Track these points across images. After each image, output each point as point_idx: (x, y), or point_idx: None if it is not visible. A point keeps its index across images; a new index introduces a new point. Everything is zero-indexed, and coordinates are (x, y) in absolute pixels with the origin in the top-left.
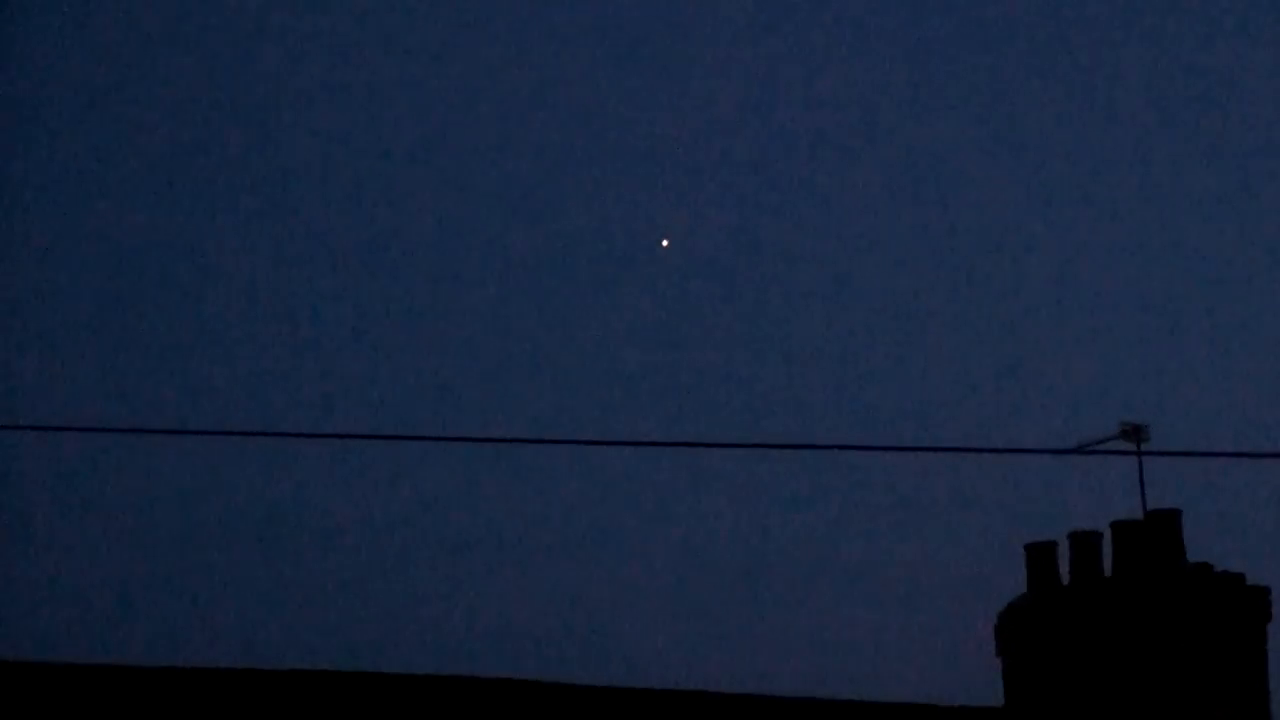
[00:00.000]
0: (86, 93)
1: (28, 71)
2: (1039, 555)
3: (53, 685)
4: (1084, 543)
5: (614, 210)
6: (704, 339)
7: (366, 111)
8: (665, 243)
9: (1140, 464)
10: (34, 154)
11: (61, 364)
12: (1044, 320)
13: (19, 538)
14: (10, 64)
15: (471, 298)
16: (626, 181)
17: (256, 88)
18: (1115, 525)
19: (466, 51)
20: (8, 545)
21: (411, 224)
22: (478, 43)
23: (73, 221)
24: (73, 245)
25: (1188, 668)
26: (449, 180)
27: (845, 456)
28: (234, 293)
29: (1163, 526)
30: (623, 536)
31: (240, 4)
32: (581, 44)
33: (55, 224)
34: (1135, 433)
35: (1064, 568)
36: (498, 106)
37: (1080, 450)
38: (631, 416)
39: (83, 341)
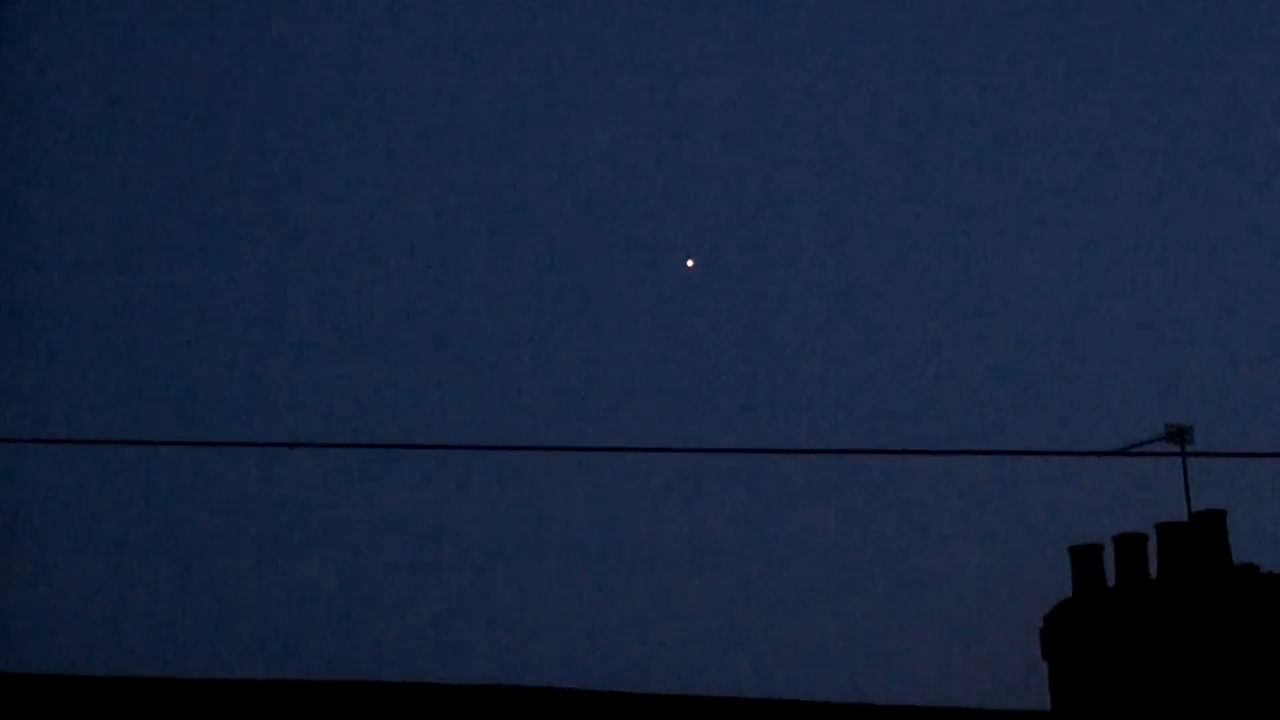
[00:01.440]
0: (86, 123)
1: (29, 81)
2: (1085, 558)
3: (57, 696)
4: (1129, 545)
5: (638, 231)
6: (744, 352)
7: (391, 128)
8: (690, 263)
9: (1185, 465)
10: (36, 169)
11: (63, 376)
12: (1089, 324)
13: (22, 549)
14: (11, 65)
15: (494, 312)
16: (649, 203)
17: (259, 97)
18: (1160, 527)
19: (492, 73)
20: (12, 557)
21: (431, 239)
22: (506, 67)
23: (77, 240)
24: (76, 259)
25: (1235, 669)
26: (476, 205)
27: (892, 462)
28: (236, 305)
29: (1208, 528)
30: (668, 543)
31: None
32: (611, 82)
33: (59, 241)
34: (1180, 434)
35: (1110, 570)
36: (527, 135)
37: (1125, 452)
38: (669, 426)
39: (84, 354)
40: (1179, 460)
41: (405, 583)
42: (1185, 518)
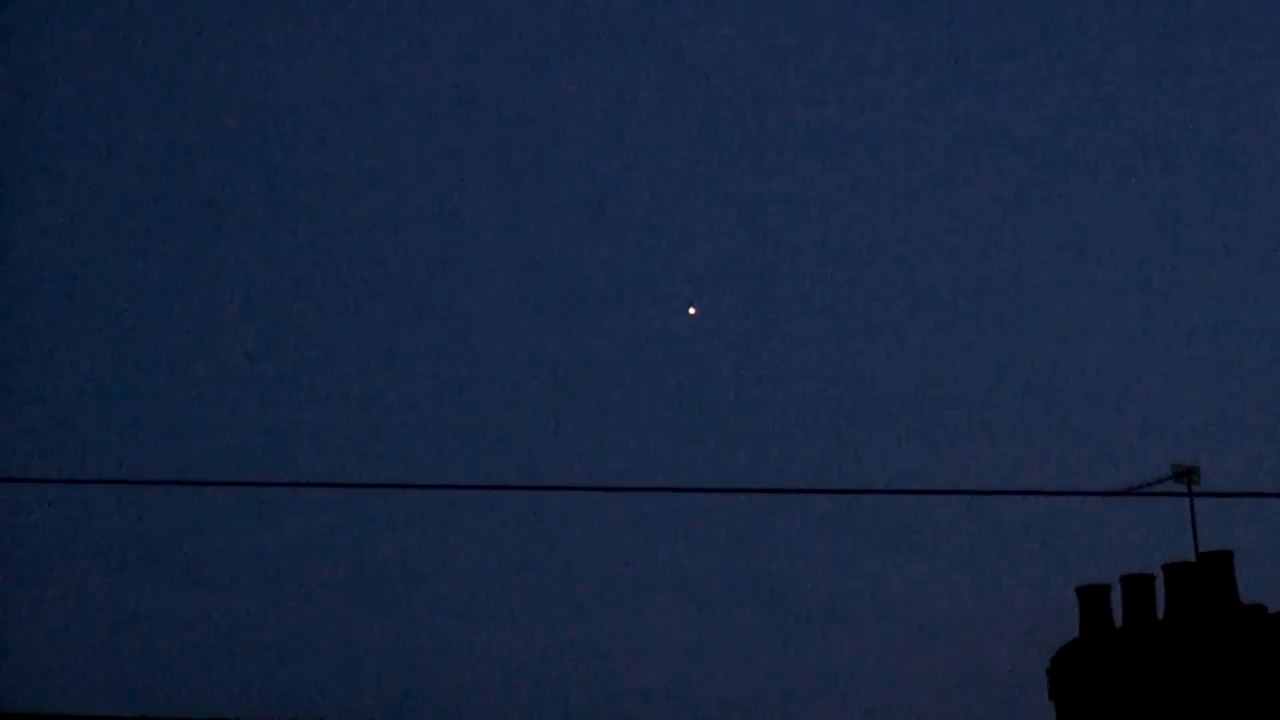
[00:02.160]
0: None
1: (28, 91)
2: (1092, 598)
3: None
4: (1137, 585)
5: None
6: (748, 388)
7: (394, 159)
8: (693, 310)
9: (1192, 505)
10: (37, 200)
11: (67, 418)
12: (1096, 363)
13: (27, 589)
14: (11, 70)
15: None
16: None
17: (260, 104)
18: (1168, 568)
19: (500, 88)
20: (17, 597)
21: (436, 281)
22: (510, 80)
23: (80, 274)
24: (73, 293)
25: (1243, 711)
26: (483, 251)
27: (898, 501)
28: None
29: (1215, 568)
30: (676, 580)
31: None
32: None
33: (55, 275)
34: (1187, 474)
35: (1117, 610)
36: (535, 180)
37: (1132, 492)
38: (673, 461)
39: (80, 395)
40: (1186, 500)
41: (407, 622)
42: (1193, 558)
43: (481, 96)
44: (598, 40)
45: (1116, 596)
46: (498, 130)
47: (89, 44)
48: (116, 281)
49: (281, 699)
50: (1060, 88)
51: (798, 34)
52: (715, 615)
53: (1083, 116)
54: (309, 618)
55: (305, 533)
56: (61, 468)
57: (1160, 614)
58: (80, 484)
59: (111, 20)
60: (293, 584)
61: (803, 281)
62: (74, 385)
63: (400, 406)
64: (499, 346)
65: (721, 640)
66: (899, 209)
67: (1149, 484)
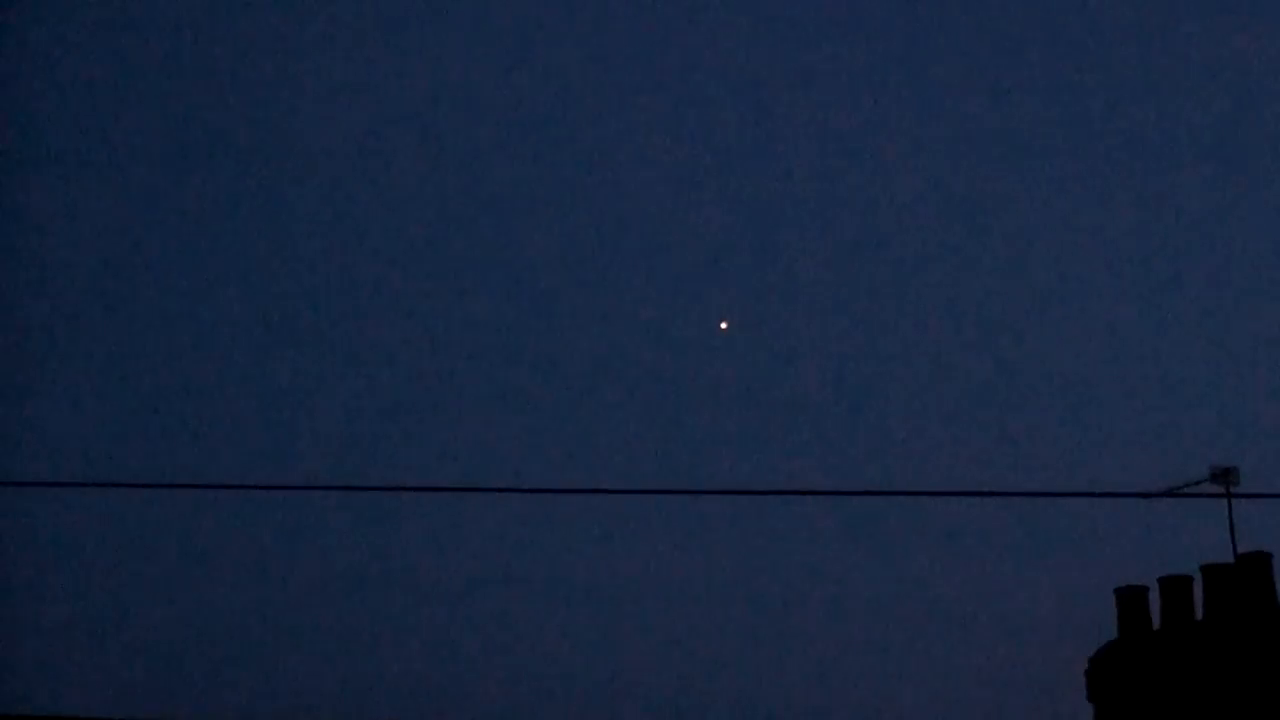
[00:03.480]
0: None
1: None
2: (1130, 600)
3: None
4: (1175, 587)
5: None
6: (778, 390)
7: (395, 167)
8: (724, 325)
9: (1230, 506)
10: (36, 196)
11: (69, 419)
12: (1135, 364)
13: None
14: (11, 68)
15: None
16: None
17: (260, 105)
18: (1205, 569)
19: (511, 92)
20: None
21: (450, 286)
22: (517, 83)
23: (75, 274)
24: (75, 292)
25: (1278, 711)
26: (483, 242)
27: (939, 503)
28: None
29: (1254, 569)
30: (702, 582)
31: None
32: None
33: (56, 276)
34: (1225, 475)
35: (1155, 612)
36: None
37: (1171, 493)
38: (697, 465)
39: (83, 398)
40: (1225, 502)
41: (406, 621)
42: (1231, 559)
43: (488, 97)
44: (603, 40)
45: (1155, 598)
46: (506, 131)
47: (89, 42)
48: (117, 282)
49: (280, 697)
50: (1086, 80)
51: (824, 33)
52: (729, 618)
53: (1122, 109)
54: (305, 618)
55: (305, 533)
56: (60, 470)
57: (1199, 615)
58: (77, 487)
59: (111, 20)
60: (290, 583)
61: (821, 280)
62: (72, 387)
63: (400, 409)
64: (491, 349)
65: (751, 640)
66: (930, 207)
67: (1188, 485)
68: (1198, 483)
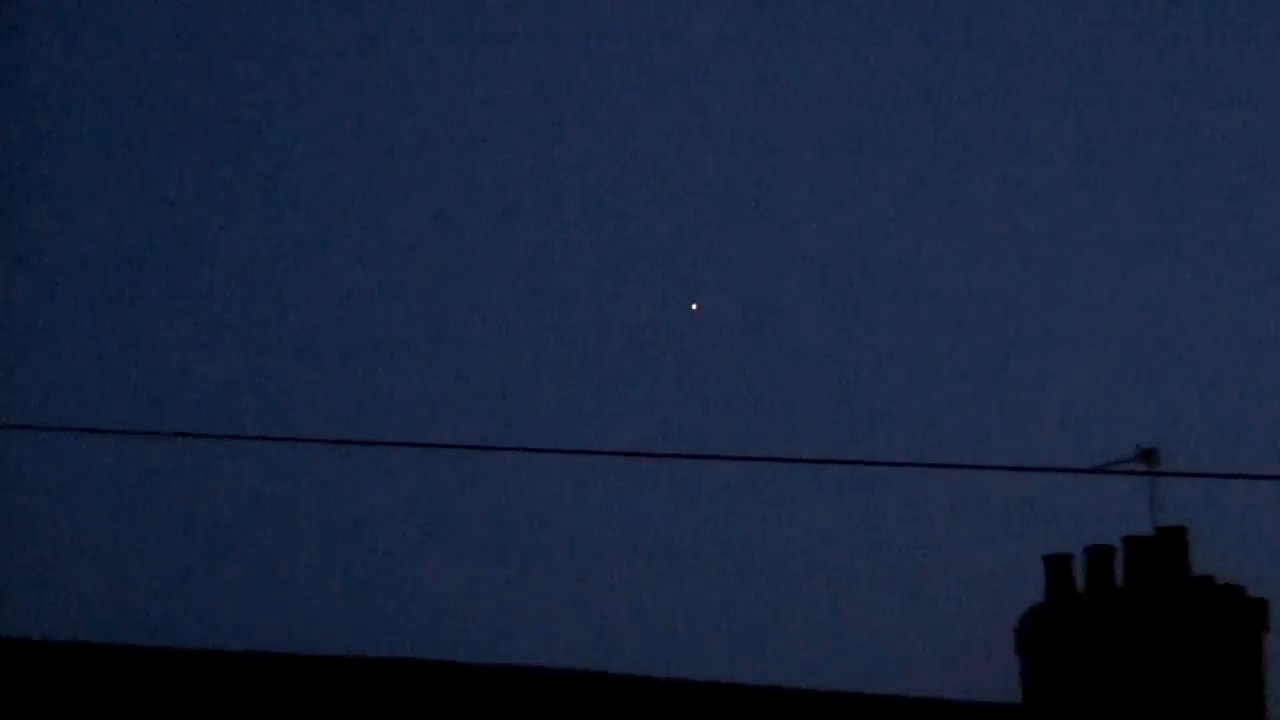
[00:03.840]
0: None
1: (28, 76)
2: (1057, 566)
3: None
4: (1099, 555)
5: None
6: (739, 357)
7: (395, 142)
8: (695, 306)
9: (1152, 485)
10: (33, 153)
11: (72, 365)
12: (1072, 350)
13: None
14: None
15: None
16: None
17: (259, 96)
18: (1127, 540)
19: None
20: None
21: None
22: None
23: (80, 227)
24: (81, 254)
25: (1190, 672)
26: (481, 229)
27: (880, 473)
28: (239, 293)
29: (1171, 542)
30: (671, 543)
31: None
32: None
33: (61, 230)
34: (1148, 456)
35: (1079, 578)
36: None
37: (1097, 470)
38: (669, 428)
39: (88, 342)
40: (1147, 480)
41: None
42: (1151, 533)
43: (484, 91)
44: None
45: (1079, 565)
46: (505, 123)
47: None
48: (124, 230)
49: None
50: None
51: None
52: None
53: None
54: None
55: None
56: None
57: (1120, 582)
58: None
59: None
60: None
61: (784, 246)
62: (78, 335)
63: (404, 366)
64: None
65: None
66: (868, 178)
67: (1113, 463)
68: (1122, 461)
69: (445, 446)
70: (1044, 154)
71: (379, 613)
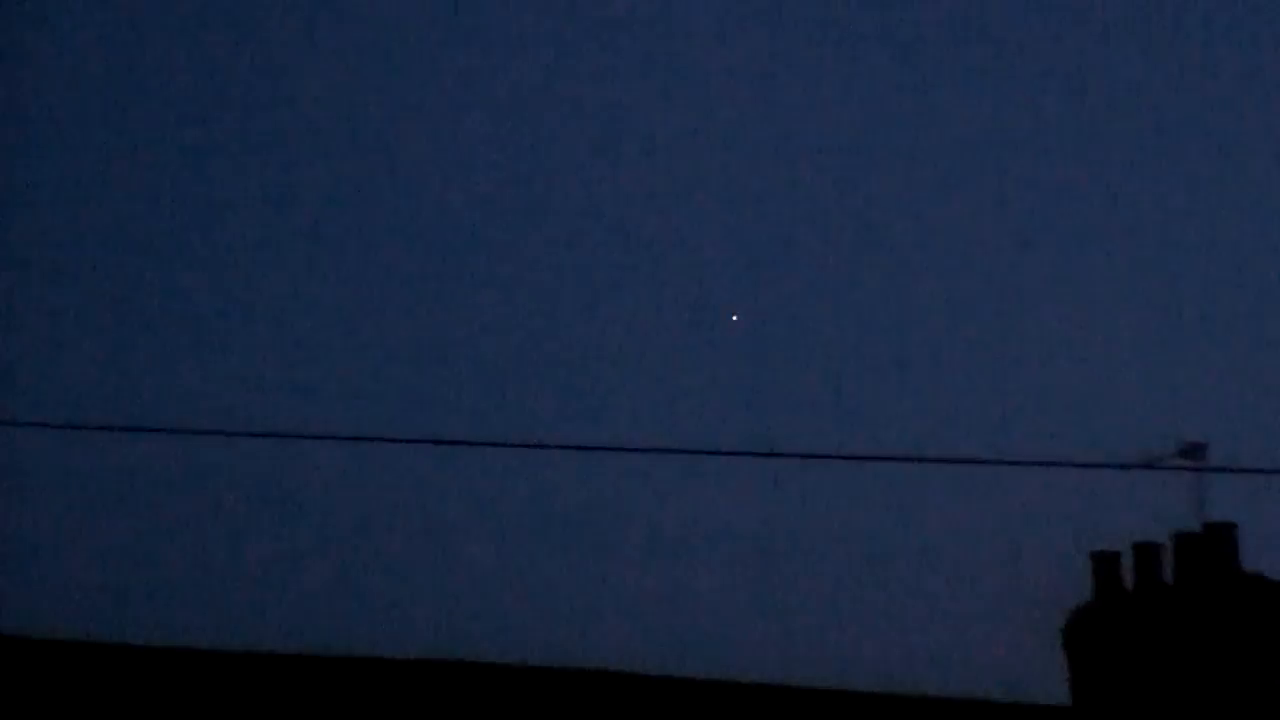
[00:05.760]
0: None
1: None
2: (1104, 563)
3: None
4: (1147, 553)
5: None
6: (754, 350)
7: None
8: (734, 317)
9: (1199, 481)
10: (32, 151)
11: (66, 360)
12: (1111, 335)
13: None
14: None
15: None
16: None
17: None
18: (1176, 536)
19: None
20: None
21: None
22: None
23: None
24: (83, 245)
25: (1242, 670)
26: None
27: (925, 469)
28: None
29: (1220, 538)
30: (691, 533)
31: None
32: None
33: (61, 225)
34: (1194, 451)
35: (1127, 576)
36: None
37: (1143, 466)
38: (671, 418)
39: (87, 338)
40: (1194, 475)
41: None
42: (1199, 529)
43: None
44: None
45: (1127, 563)
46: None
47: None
48: (124, 218)
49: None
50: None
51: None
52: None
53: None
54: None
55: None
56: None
57: (1168, 579)
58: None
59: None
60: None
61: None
62: (77, 328)
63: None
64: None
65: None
66: (887, 172)
67: (1159, 458)
68: (1168, 456)
69: (439, 443)
70: (1095, 141)
71: (388, 611)
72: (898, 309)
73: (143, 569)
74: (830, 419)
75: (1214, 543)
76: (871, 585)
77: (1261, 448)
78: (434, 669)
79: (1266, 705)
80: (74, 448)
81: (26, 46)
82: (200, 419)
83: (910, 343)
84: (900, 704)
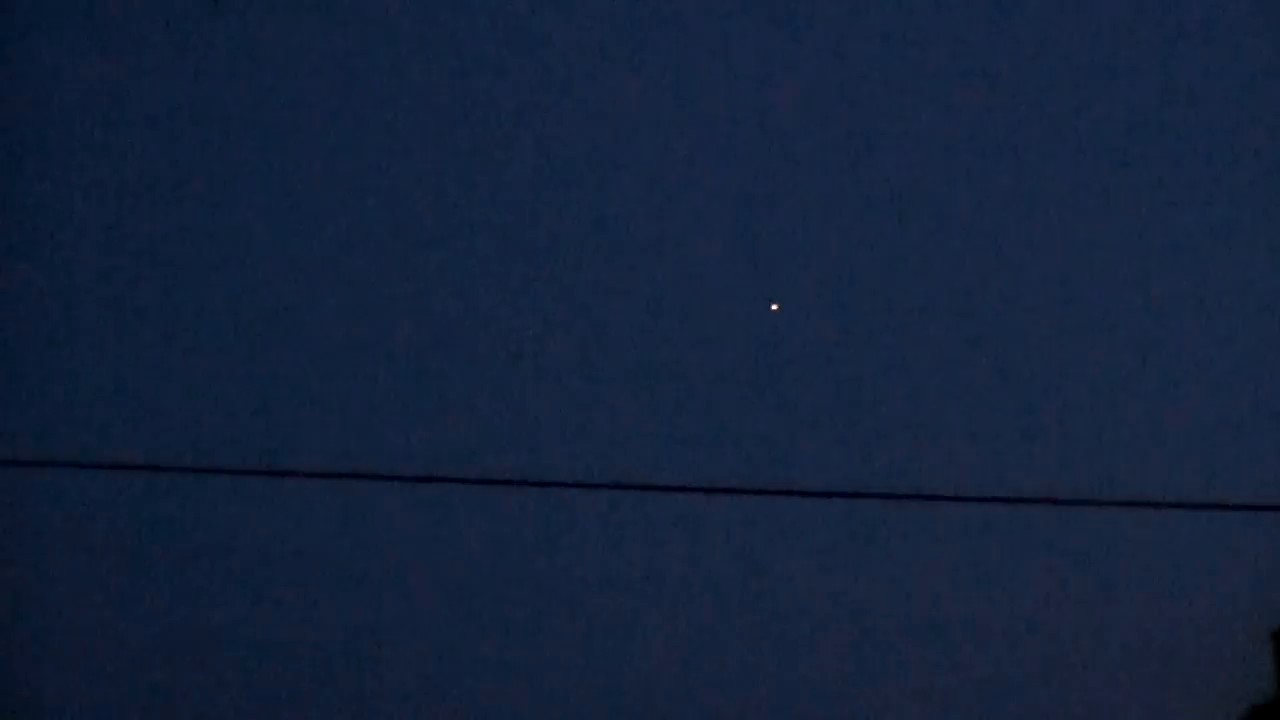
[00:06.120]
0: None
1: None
2: None
3: None
4: None
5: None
6: (814, 390)
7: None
8: (775, 307)
9: None
10: (35, 172)
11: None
12: (1230, 378)
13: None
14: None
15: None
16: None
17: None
18: None
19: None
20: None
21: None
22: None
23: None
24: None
25: None
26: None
27: (1080, 512)
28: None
29: None
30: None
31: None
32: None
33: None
34: None
35: None
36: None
37: None
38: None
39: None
40: None
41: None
42: None
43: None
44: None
45: None
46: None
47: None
48: (124, 263)
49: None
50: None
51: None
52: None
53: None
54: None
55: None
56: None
57: None
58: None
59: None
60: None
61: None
62: (79, 372)
63: (425, 398)
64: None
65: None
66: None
67: None
68: None
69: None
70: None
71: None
72: (1017, 349)
73: None
74: (915, 458)
75: None
76: (1020, 646)
77: None
78: None
79: None
80: None
81: (26, 46)
82: None
83: (1043, 386)
84: None
